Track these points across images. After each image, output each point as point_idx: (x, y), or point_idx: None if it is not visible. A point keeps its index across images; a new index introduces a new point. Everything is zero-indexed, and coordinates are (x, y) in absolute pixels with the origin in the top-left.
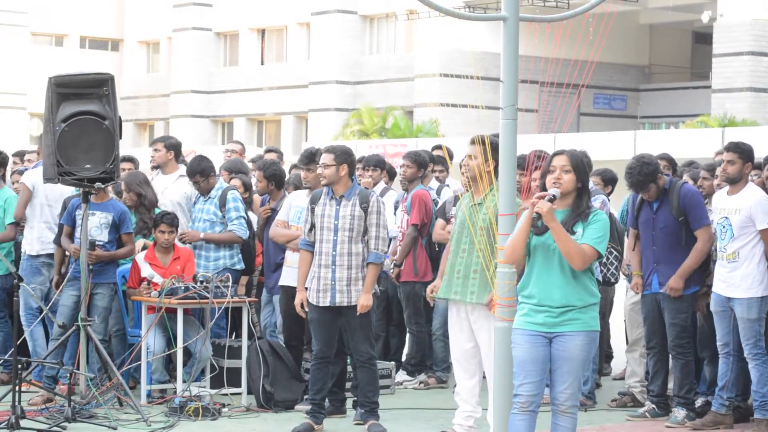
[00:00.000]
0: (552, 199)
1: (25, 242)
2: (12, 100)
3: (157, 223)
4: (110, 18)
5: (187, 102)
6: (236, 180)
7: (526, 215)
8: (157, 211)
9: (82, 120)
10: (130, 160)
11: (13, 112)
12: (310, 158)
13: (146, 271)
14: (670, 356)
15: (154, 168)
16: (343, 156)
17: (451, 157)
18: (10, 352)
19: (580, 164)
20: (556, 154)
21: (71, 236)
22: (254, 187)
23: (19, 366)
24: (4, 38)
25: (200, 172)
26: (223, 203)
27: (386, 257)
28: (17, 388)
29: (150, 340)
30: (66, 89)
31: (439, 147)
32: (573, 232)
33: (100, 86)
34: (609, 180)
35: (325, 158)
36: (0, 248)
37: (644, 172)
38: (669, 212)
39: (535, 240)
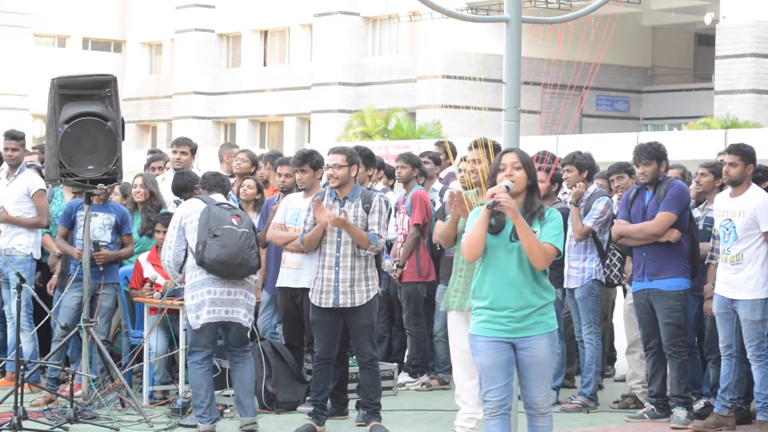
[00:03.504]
0: (507, 189)
1: (33, 246)
2: (15, 101)
3: (155, 224)
4: (113, 19)
5: (190, 103)
6: (250, 180)
7: (482, 210)
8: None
9: (85, 121)
10: None
11: (15, 113)
12: (304, 160)
13: (149, 272)
14: (666, 356)
15: (175, 168)
16: (354, 157)
17: (454, 153)
18: (12, 353)
19: (530, 162)
20: (504, 152)
21: (66, 237)
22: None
23: (21, 367)
24: (7, 39)
25: (184, 188)
26: None
27: (387, 258)
28: (19, 389)
29: (152, 341)
30: (68, 90)
31: (441, 143)
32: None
33: (102, 87)
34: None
35: (337, 159)
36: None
37: (654, 146)
38: (657, 203)
39: (490, 239)
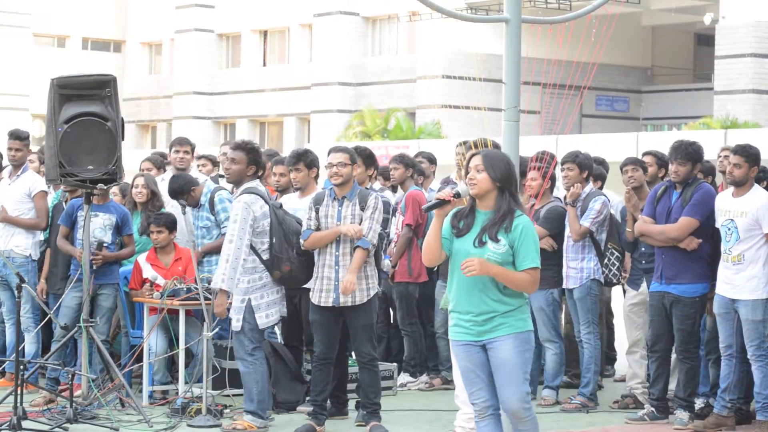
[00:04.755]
0: (457, 195)
1: (32, 247)
2: (14, 101)
3: (151, 224)
4: (112, 19)
5: (190, 103)
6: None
7: (435, 214)
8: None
9: (85, 121)
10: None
11: (15, 113)
12: (298, 159)
13: (148, 272)
14: (675, 358)
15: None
16: (354, 156)
17: None
18: (12, 354)
19: (498, 164)
20: (473, 155)
21: (68, 237)
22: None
23: (21, 367)
24: (7, 39)
25: (180, 191)
26: (213, 207)
27: (386, 258)
28: (19, 389)
29: (152, 342)
30: (68, 90)
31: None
32: (497, 240)
33: (102, 87)
34: (597, 176)
35: (341, 157)
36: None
37: (694, 147)
38: (682, 206)
39: (456, 243)
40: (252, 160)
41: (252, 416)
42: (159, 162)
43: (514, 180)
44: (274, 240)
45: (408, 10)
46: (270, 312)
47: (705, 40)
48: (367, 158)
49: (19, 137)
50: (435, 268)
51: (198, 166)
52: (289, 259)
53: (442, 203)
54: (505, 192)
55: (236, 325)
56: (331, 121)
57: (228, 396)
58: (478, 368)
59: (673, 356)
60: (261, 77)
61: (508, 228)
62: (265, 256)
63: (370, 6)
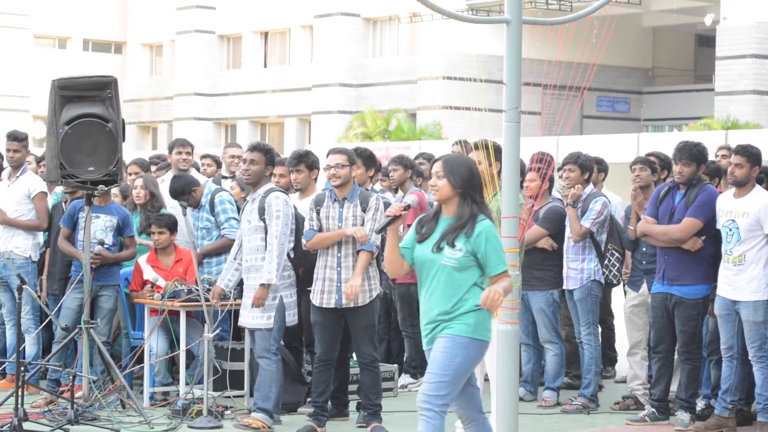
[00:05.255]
0: (407, 208)
1: (32, 248)
2: (15, 102)
3: (151, 225)
4: (113, 21)
5: (191, 104)
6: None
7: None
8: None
9: (86, 123)
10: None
11: (15, 114)
12: (299, 160)
13: (149, 273)
14: (677, 360)
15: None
16: (353, 157)
17: (469, 152)
18: (13, 355)
19: (458, 170)
20: (434, 160)
21: (69, 238)
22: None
23: (22, 368)
24: (7, 40)
25: (181, 191)
26: (213, 208)
27: None
28: (20, 391)
29: (153, 343)
30: (69, 92)
31: (460, 142)
32: (453, 245)
33: (103, 89)
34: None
35: (339, 159)
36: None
37: (699, 148)
38: (685, 207)
39: (417, 250)
40: (270, 161)
41: (264, 414)
42: (145, 165)
43: (478, 185)
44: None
45: (408, 11)
46: (294, 312)
47: (706, 41)
48: (368, 159)
49: (16, 138)
50: None
51: (203, 165)
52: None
53: (394, 219)
54: (467, 198)
55: (267, 323)
56: (331, 122)
57: (229, 397)
58: None
59: (675, 357)
60: (262, 78)
61: (468, 234)
62: (292, 255)
63: (371, 7)
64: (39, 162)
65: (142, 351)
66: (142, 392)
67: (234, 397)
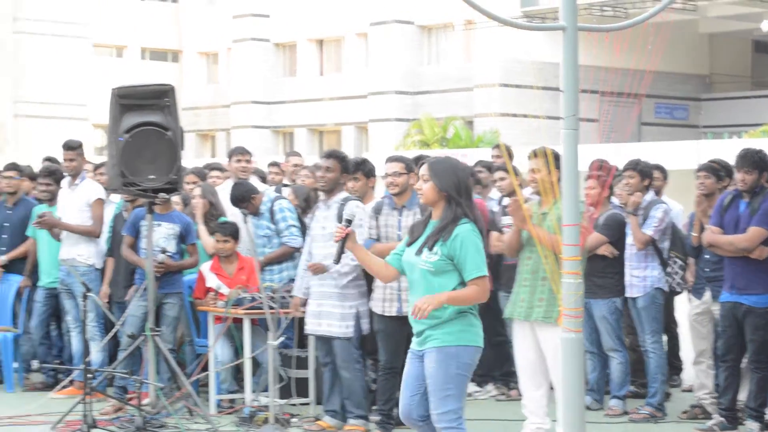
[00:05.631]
0: (348, 223)
1: (95, 255)
2: (75, 111)
3: (214, 233)
4: (170, 29)
5: (248, 112)
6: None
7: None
8: (222, 220)
9: (145, 131)
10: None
11: (76, 122)
12: (357, 167)
13: (212, 281)
14: (746, 369)
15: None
16: (411, 165)
17: (511, 156)
18: (79, 362)
19: (443, 173)
20: (422, 163)
21: (133, 247)
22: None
23: (89, 376)
24: (67, 50)
25: (241, 199)
26: (273, 216)
27: None
28: (88, 398)
29: (217, 350)
30: (129, 100)
31: (497, 146)
32: (431, 249)
33: (161, 97)
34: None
35: (396, 167)
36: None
37: (761, 155)
38: (750, 215)
39: (405, 254)
40: (345, 168)
41: (362, 421)
42: (203, 174)
43: (464, 188)
44: None
45: (463, 18)
46: (366, 320)
47: (763, 47)
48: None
49: (71, 147)
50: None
51: (269, 173)
52: None
53: (344, 242)
54: (452, 201)
55: (346, 331)
56: (389, 129)
57: (294, 405)
58: (410, 377)
59: (743, 365)
60: (318, 86)
61: (446, 237)
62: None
63: (426, 15)
64: (96, 170)
65: (207, 358)
66: (207, 400)
67: (300, 404)
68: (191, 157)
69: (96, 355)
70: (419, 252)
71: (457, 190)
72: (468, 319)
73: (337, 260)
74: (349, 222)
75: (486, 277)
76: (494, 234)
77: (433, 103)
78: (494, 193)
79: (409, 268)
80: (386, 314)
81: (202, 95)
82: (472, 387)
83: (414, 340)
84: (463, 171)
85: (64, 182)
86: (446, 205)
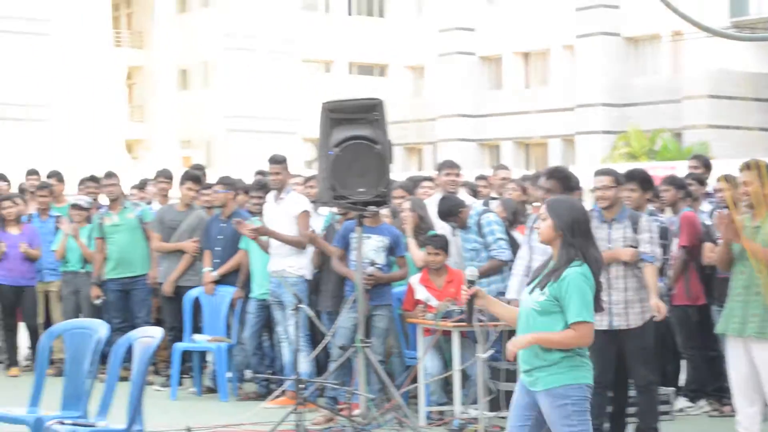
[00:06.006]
0: (471, 284)
1: (305, 267)
2: (285, 125)
3: (426, 245)
4: (376, 44)
5: (454, 126)
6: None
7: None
8: (431, 233)
9: (355, 144)
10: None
11: (286, 136)
12: (550, 176)
13: (422, 293)
14: None
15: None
16: (621, 178)
17: (708, 168)
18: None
19: (563, 212)
20: (543, 203)
21: (343, 259)
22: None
23: (301, 386)
24: (277, 66)
25: (449, 212)
26: (480, 229)
27: (661, 280)
28: (300, 408)
29: (426, 362)
30: (338, 114)
31: (697, 157)
32: (542, 289)
33: (370, 111)
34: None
35: (605, 180)
36: None
37: None
38: None
39: (523, 294)
40: (567, 187)
41: None
42: (410, 188)
43: (580, 229)
44: None
45: (671, 29)
46: None
47: None
48: (644, 181)
49: (276, 161)
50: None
51: (477, 187)
52: None
53: (471, 303)
54: (566, 242)
55: None
56: (595, 142)
57: (503, 418)
58: (518, 407)
59: None
60: (524, 99)
61: (556, 278)
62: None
63: (632, 27)
64: (306, 182)
65: (416, 370)
66: (417, 411)
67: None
68: (398, 170)
69: (304, 365)
70: (532, 291)
71: (572, 230)
72: (574, 360)
73: (469, 320)
74: (471, 282)
75: (588, 324)
76: (708, 245)
77: (640, 115)
78: (704, 206)
79: (522, 305)
80: (596, 328)
81: (409, 109)
82: (684, 402)
83: (522, 374)
84: (581, 212)
85: (270, 196)
86: (561, 246)
